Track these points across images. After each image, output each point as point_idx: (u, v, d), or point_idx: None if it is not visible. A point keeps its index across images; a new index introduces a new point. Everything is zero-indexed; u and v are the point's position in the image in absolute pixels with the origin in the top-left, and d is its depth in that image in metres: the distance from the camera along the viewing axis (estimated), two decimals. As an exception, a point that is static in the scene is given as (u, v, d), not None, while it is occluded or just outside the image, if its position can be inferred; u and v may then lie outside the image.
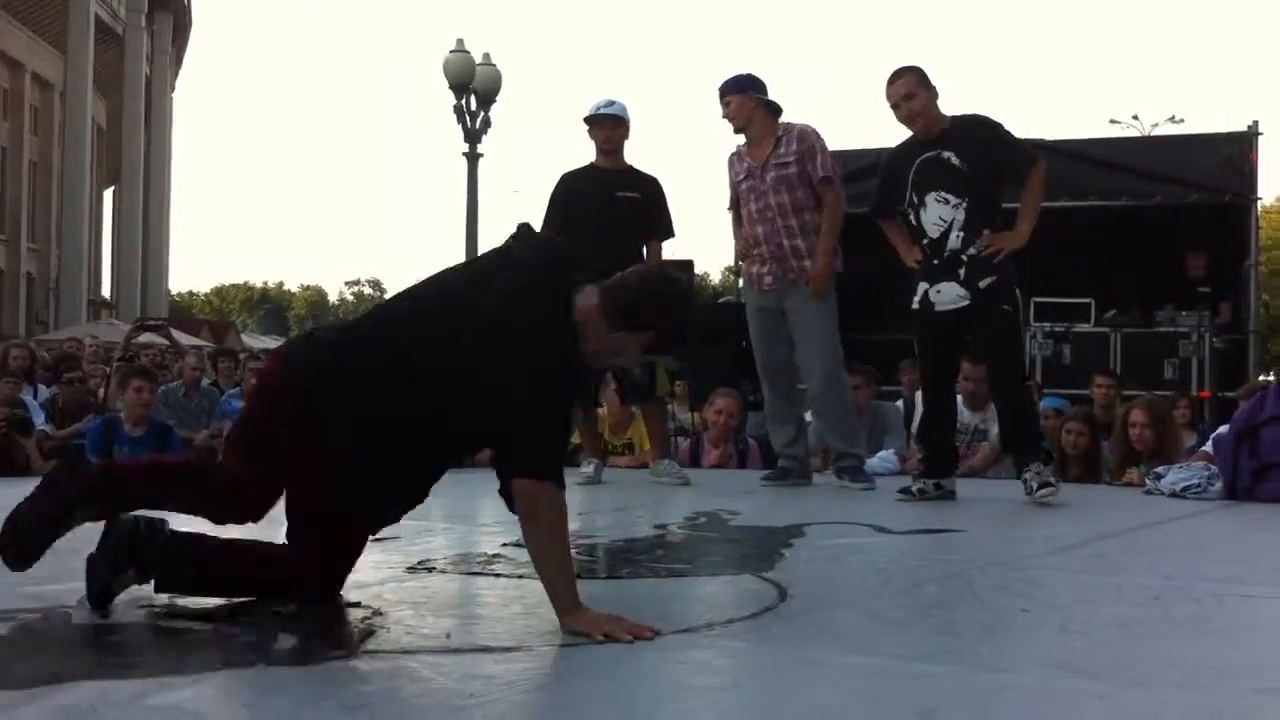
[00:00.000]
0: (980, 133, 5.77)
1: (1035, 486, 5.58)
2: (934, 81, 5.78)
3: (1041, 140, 11.44)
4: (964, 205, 5.70)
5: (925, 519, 5.16)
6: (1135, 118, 34.94)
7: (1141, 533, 5.00)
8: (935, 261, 5.77)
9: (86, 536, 3.17)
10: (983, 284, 5.70)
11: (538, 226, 3.29)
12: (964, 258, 5.72)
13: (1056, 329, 10.52)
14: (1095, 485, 7.02)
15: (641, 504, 5.73)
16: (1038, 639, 2.90)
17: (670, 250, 7.15)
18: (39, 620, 3.01)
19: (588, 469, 6.70)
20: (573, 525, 4.75)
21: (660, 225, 6.99)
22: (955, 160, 5.69)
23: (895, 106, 5.77)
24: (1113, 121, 34.05)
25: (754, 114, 6.43)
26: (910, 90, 5.72)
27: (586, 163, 6.98)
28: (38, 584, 3.47)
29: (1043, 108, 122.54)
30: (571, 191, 6.86)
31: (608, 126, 6.88)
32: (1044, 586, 3.59)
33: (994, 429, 7.04)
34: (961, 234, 5.71)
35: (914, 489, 5.93)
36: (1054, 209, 10.80)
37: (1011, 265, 5.80)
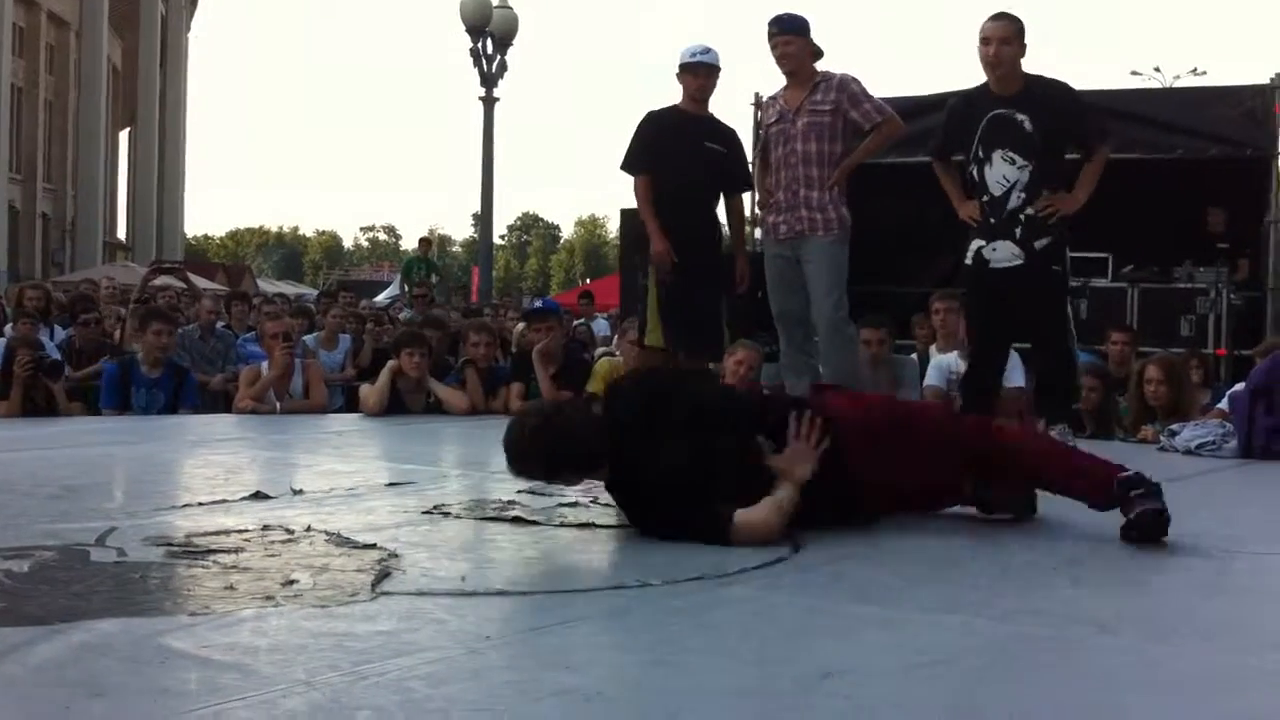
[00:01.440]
0: (1057, 101, 5.74)
1: None
2: (1027, 41, 5.75)
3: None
4: (1030, 168, 5.68)
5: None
6: (1156, 70, 34.68)
7: (1156, 488, 4.98)
8: (993, 220, 5.74)
9: (97, 475, 3.19)
10: (1038, 244, 5.71)
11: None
12: (1021, 217, 5.70)
13: (1074, 283, 10.44)
14: (1109, 441, 7.00)
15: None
16: (1053, 593, 2.91)
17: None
18: (55, 558, 3.03)
19: None
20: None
21: (741, 179, 6.96)
22: (1028, 125, 5.66)
23: (985, 42, 5.66)
24: (1134, 73, 33.79)
25: (807, 58, 6.38)
26: (1008, 36, 5.66)
27: (671, 105, 6.87)
28: (51, 521, 3.51)
29: (1063, 59, 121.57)
30: (661, 135, 6.76)
31: (703, 75, 6.78)
32: (1060, 541, 3.59)
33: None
34: (1023, 195, 5.69)
35: None
36: (1072, 161, 10.76)
37: (1066, 228, 5.79)
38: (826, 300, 6.29)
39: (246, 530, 3.40)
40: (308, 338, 9.36)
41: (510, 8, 17.01)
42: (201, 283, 20.76)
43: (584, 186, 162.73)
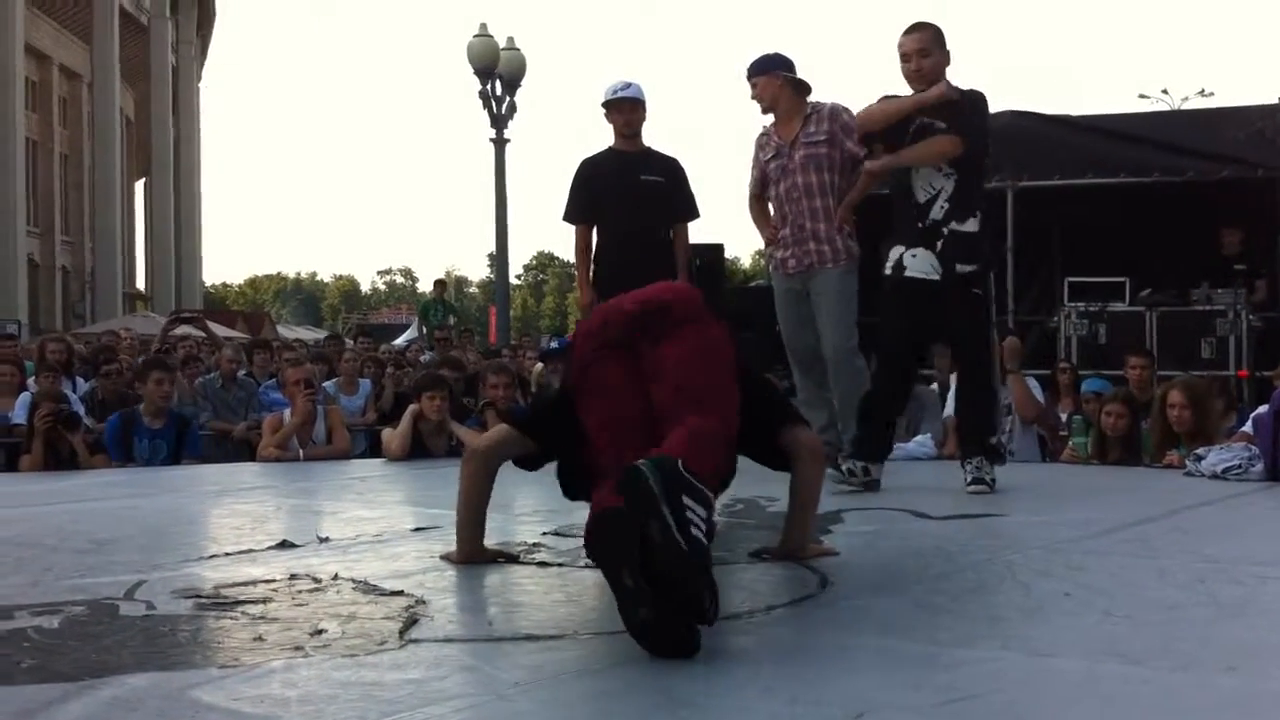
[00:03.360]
0: (977, 112, 5.66)
1: (969, 480, 5.48)
2: (949, 47, 5.65)
3: (1069, 117, 11.41)
4: (954, 178, 5.59)
5: (964, 504, 5.14)
6: (1165, 92, 34.71)
7: (1183, 515, 4.96)
8: (919, 225, 5.61)
9: (124, 528, 3.20)
10: (960, 269, 5.52)
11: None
12: (944, 230, 5.56)
13: (1091, 308, 10.44)
14: (1135, 468, 6.98)
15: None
16: (1080, 623, 2.89)
17: (701, 233, 7.17)
18: (85, 613, 3.04)
19: None
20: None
21: (685, 206, 7.00)
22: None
23: (905, 58, 5.56)
24: (1142, 96, 33.79)
25: (780, 93, 6.37)
26: (925, 47, 5.54)
27: (605, 147, 6.97)
28: (80, 576, 3.52)
29: (1072, 83, 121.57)
30: (595, 177, 6.85)
31: (626, 110, 6.87)
32: (1086, 570, 3.58)
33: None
34: (947, 206, 5.56)
35: (843, 468, 5.63)
36: (1086, 186, 10.77)
37: (990, 250, 5.68)
38: (836, 331, 6.29)
39: (274, 580, 3.41)
40: (328, 383, 9.40)
41: (518, 49, 17.11)
42: (221, 331, 20.88)
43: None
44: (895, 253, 5.67)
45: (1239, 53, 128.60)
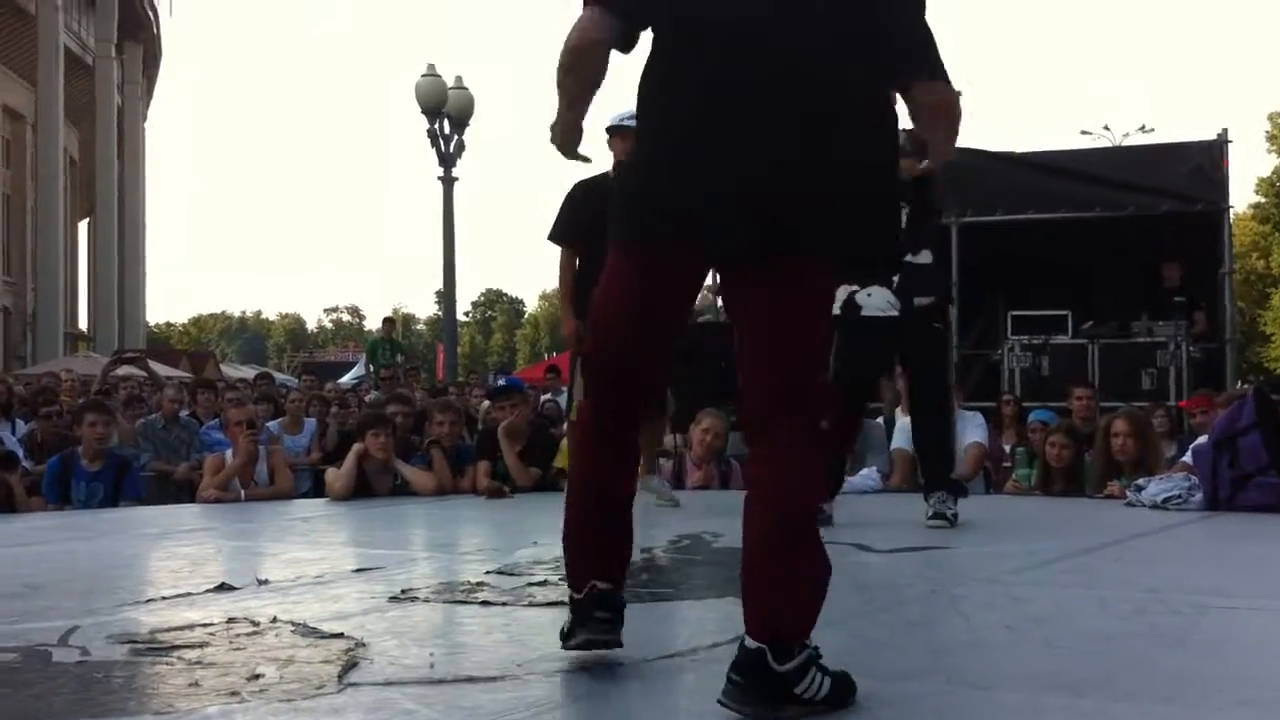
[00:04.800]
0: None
1: (930, 514, 5.50)
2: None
3: (1013, 153, 11.55)
4: (906, 211, 5.60)
5: (908, 537, 5.15)
6: (1106, 128, 35.11)
7: (1124, 545, 5.01)
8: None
9: (59, 572, 3.15)
10: (918, 302, 5.54)
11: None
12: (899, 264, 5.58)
13: (1034, 341, 10.55)
14: (1078, 499, 7.03)
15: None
16: (1022, 656, 2.90)
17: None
18: (16, 660, 2.98)
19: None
20: (557, 551, 4.75)
21: None
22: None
23: None
24: (1084, 132, 34.21)
25: None
26: None
27: (600, 173, 6.85)
28: (12, 622, 3.45)
29: (1014, 119, 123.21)
30: (589, 200, 6.71)
31: (631, 137, 6.81)
32: (1028, 602, 3.60)
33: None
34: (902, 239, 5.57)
35: None
36: (1028, 221, 10.89)
37: (946, 283, 5.69)
38: None
39: (211, 624, 3.36)
40: (272, 423, 9.31)
41: (466, 89, 17.11)
42: (165, 370, 20.67)
43: (547, 259, 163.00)
44: (843, 292, 5.51)
45: (1179, 89, 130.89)
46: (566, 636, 2.81)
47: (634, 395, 2.82)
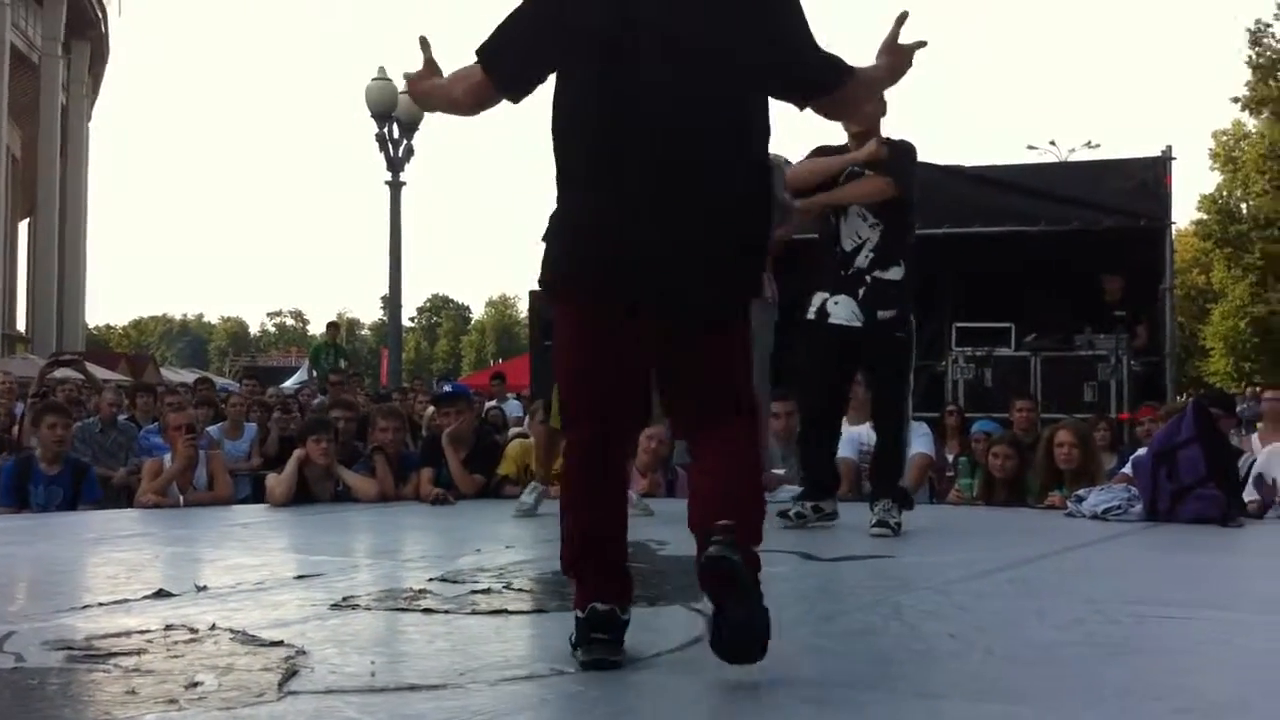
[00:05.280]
0: (906, 161, 5.79)
1: (874, 521, 5.57)
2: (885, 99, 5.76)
3: (960, 167, 11.63)
4: (880, 228, 5.71)
5: (851, 546, 5.17)
6: (1052, 143, 35.51)
7: (1064, 556, 5.05)
8: (842, 273, 5.75)
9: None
10: (881, 315, 5.67)
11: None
12: (868, 279, 5.71)
13: (978, 353, 10.63)
14: (1019, 509, 7.09)
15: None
16: (964, 665, 2.92)
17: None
18: (-53, 666, 2.92)
19: (529, 499, 6.64)
20: (500, 559, 4.74)
21: None
22: None
23: None
24: (1030, 147, 34.58)
25: None
26: None
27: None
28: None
29: (961, 134, 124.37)
30: None
31: None
32: (970, 611, 3.62)
33: None
34: (872, 255, 5.70)
35: (792, 513, 5.85)
36: (974, 234, 10.96)
37: (910, 298, 5.79)
38: None
39: (149, 630, 3.31)
40: (212, 428, 9.21)
41: (416, 93, 17.03)
42: (103, 374, 20.40)
43: (494, 265, 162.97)
44: (818, 299, 5.78)
45: (1125, 107, 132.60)
46: (573, 648, 2.88)
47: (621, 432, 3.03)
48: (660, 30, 2.79)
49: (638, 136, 2.77)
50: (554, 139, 2.92)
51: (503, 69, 2.97)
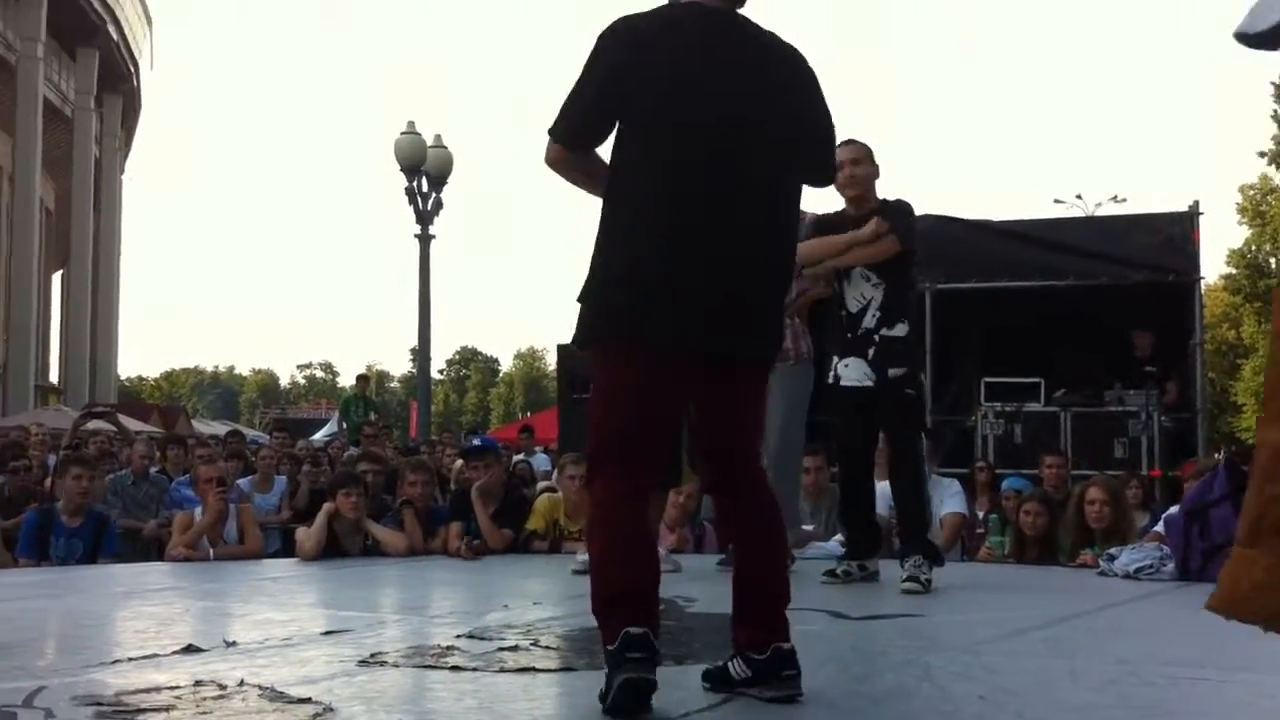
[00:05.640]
0: (906, 219, 5.85)
1: (904, 577, 5.56)
2: (878, 162, 5.88)
3: (987, 222, 11.65)
4: (883, 286, 5.77)
5: (882, 604, 5.15)
6: (1079, 197, 35.52)
7: (1097, 615, 5.01)
8: (849, 335, 5.81)
9: (26, 631, 3.11)
10: (891, 373, 5.74)
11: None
12: (876, 338, 5.76)
13: (1007, 409, 10.59)
14: (1051, 567, 7.04)
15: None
16: (997, 728, 2.89)
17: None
18: (-20, 722, 2.94)
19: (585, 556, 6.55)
20: (528, 615, 4.73)
21: None
22: None
23: (839, 166, 5.75)
24: (1057, 201, 34.58)
25: None
26: (858, 157, 5.77)
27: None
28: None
29: (988, 188, 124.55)
30: None
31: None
32: (1000, 672, 3.59)
33: None
34: (878, 314, 5.76)
35: (838, 571, 5.91)
36: (1002, 289, 10.97)
37: (917, 354, 5.85)
38: (773, 434, 6.29)
39: (178, 686, 3.31)
40: (242, 481, 9.25)
41: (445, 147, 17.18)
42: (135, 425, 20.51)
43: (522, 318, 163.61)
44: (834, 360, 5.92)
45: (1152, 160, 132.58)
46: (605, 695, 2.86)
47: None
48: (729, 110, 3.06)
49: (702, 202, 3.02)
50: (616, 199, 3.08)
51: (573, 134, 3.20)
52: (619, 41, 3.09)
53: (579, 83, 3.12)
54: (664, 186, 3.03)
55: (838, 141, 3.40)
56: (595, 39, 3.12)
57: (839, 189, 5.80)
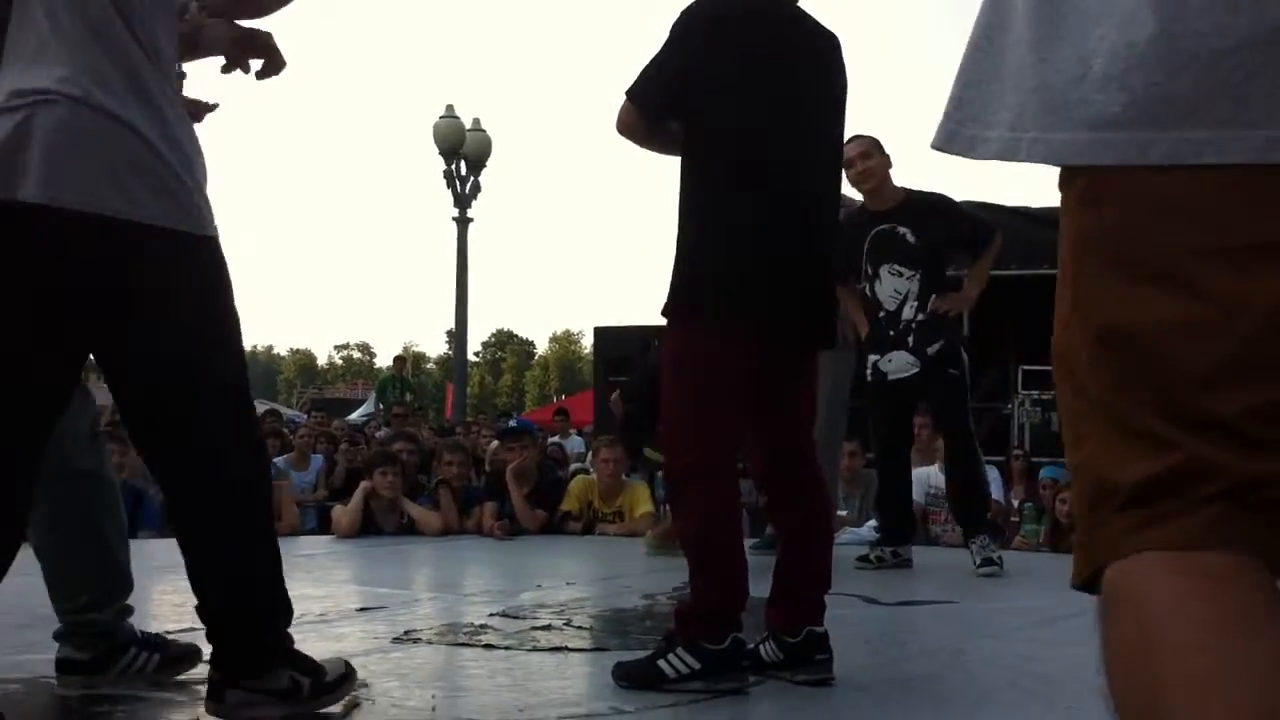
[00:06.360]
0: (936, 211, 5.82)
1: (978, 561, 5.60)
2: (889, 152, 5.85)
3: (1026, 208, 11.57)
4: (916, 277, 5.73)
5: (915, 590, 5.14)
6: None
7: (1131, 604, 4.97)
8: (891, 333, 5.79)
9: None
10: (931, 350, 5.72)
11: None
12: (913, 325, 5.75)
13: (1044, 396, 10.54)
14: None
15: (630, 573, 5.70)
16: (1026, 715, 2.89)
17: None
18: (21, 691, 2.98)
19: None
20: (561, 595, 4.76)
21: None
22: (910, 236, 5.71)
23: (848, 165, 5.65)
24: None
25: None
26: (866, 150, 5.72)
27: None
28: (18, 652, 3.45)
29: (1025, 172, 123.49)
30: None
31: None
32: (1034, 660, 3.58)
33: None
34: (916, 304, 5.75)
35: (871, 556, 5.92)
36: (1040, 276, 10.89)
37: (959, 330, 5.83)
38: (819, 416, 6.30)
39: (215, 660, 3.34)
40: (279, 459, 9.31)
41: (484, 131, 17.21)
42: (174, 403, 20.61)
43: (558, 302, 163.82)
44: (870, 360, 5.90)
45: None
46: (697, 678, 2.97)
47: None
48: (811, 117, 3.23)
49: (797, 199, 3.17)
50: (718, 181, 3.13)
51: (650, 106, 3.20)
52: (707, 22, 3.12)
53: (664, 53, 3.13)
54: (751, 187, 3.11)
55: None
56: (682, 15, 3.14)
57: (854, 185, 5.76)
